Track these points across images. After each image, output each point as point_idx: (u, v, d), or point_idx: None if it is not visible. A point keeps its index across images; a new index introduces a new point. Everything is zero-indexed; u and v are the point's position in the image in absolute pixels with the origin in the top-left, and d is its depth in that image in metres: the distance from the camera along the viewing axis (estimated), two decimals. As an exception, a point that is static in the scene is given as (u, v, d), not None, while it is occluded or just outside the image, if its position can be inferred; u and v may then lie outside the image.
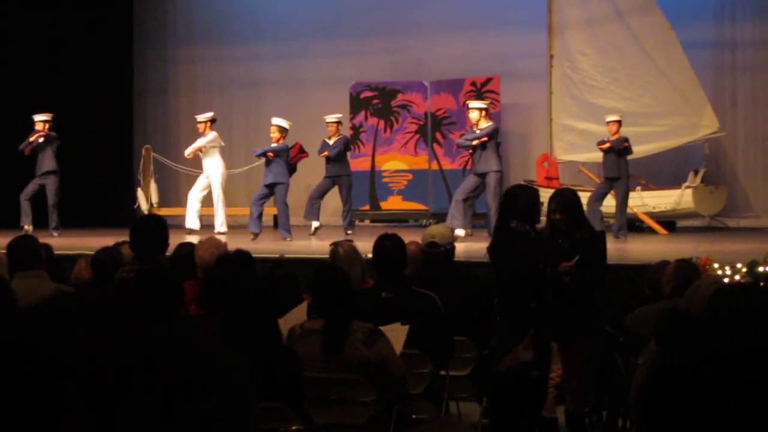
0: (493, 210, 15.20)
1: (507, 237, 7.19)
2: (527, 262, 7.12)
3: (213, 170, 17.42)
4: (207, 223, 17.82)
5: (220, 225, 17.34)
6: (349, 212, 17.24)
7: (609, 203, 16.35)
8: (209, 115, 17.62)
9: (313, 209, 16.89)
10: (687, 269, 7.51)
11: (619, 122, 16.48)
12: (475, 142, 15.55)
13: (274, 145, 16.37)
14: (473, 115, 15.82)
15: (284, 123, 16.50)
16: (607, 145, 16.21)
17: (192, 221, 17.50)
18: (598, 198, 16.10)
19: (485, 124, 15.70)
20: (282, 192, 16.25)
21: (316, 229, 16.73)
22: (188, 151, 17.65)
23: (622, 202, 16.11)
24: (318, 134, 17.61)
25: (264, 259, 10.90)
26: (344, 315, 5.89)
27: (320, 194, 17.00)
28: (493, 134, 15.62)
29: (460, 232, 14.88)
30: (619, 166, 16.10)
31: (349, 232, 16.57)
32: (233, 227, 18.20)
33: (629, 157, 16.30)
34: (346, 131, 18.86)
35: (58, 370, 1.40)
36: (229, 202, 18.12)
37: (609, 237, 15.50)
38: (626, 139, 16.21)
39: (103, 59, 21.45)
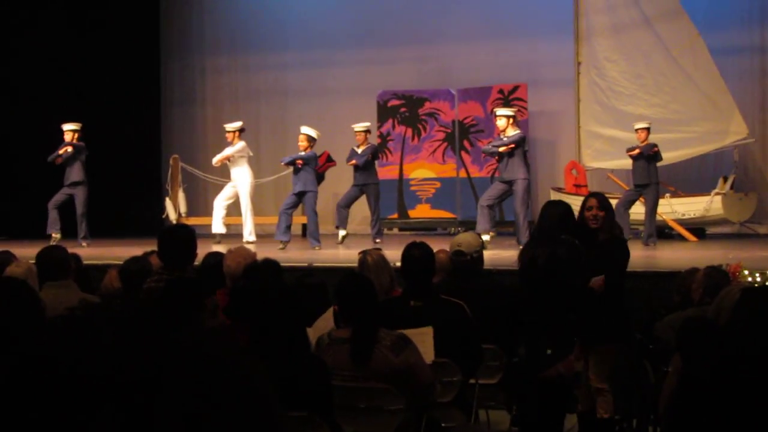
0: (522, 218, 15.19)
1: (563, 249, 7.22)
2: (583, 274, 7.27)
3: (241, 180, 17.44)
4: (235, 233, 17.85)
5: (248, 234, 17.35)
6: (378, 221, 17.24)
7: (638, 210, 16.30)
8: (238, 124, 17.65)
9: (340, 218, 16.91)
10: (716, 276, 7.48)
11: (647, 129, 16.44)
12: (502, 150, 15.51)
13: (302, 153, 16.37)
14: (500, 123, 15.77)
15: (313, 132, 16.49)
16: (637, 151, 16.17)
17: (218, 227, 17.54)
18: (626, 204, 16.05)
19: (512, 131, 15.65)
20: (311, 200, 16.23)
21: (344, 237, 16.73)
22: (216, 160, 17.68)
23: (652, 209, 16.06)
24: (346, 143, 17.62)
25: (293, 267, 10.92)
26: (371, 323, 5.89)
27: (347, 203, 16.99)
28: (520, 142, 15.57)
29: (484, 237, 14.84)
30: (649, 172, 16.06)
31: (378, 240, 16.58)
32: (261, 236, 18.22)
33: (658, 164, 16.25)
34: (374, 140, 18.87)
35: (85, 379, 1.40)
36: (257, 212, 18.14)
37: (638, 244, 15.50)
38: (655, 145, 16.17)
39: (131, 69, 21.55)
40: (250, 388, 1.51)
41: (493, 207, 15.77)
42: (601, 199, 8.15)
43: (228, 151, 17.45)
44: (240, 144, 17.42)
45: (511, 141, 15.46)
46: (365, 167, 16.90)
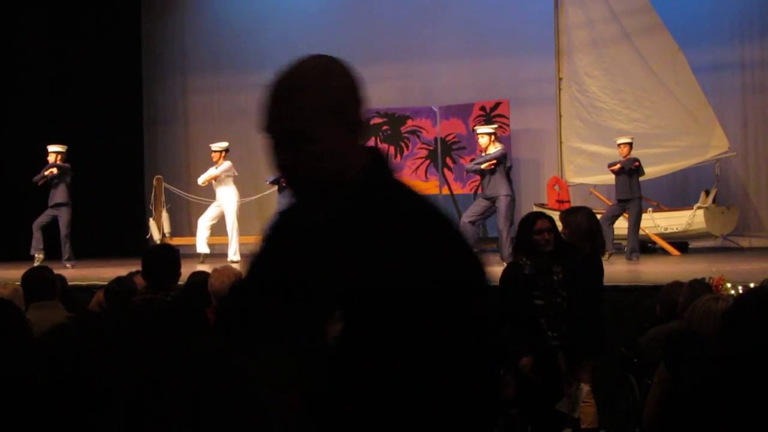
0: (505, 234, 15.23)
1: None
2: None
3: (227, 200, 17.45)
4: (220, 252, 17.85)
5: (233, 254, 17.36)
6: None
7: (621, 225, 16.35)
8: (224, 144, 17.66)
9: None
10: (700, 289, 7.51)
11: (630, 144, 16.50)
12: (483, 166, 15.57)
13: None
14: (482, 141, 15.85)
15: None
16: (618, 166, 16.24)
17: (202, 246, 17.55)
18: (610, 219, 16.08)
19: (494, 148, 15.72)
20: None
21: None
22: (202, 180, 17.68)
23: (635, 224, 16.10)
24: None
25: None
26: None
27: None
28: (502, 158, 15.63)
29: None
30: (631, 187, 16.11)
31: None
32: (247, 256, 18.20)
33: (641, 179, 16.31)
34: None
35: (78, 396, 1.41)
36: (242, 231, 18.14)
37: (621, 259, 15.56)
38: (636, 160, 16.23)
39: (112, 89, 21.50)
40: (260, 396, 1.53)
41: (475, 223, 15.82)
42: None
43: (214, 172, 17.46)
44: (226, 164, 17.44)
45: (492, 157, 15.52)
46: None
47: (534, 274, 7.57)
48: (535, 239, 7.60)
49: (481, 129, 16.16)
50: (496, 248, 16.43)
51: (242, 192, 18.96)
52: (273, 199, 17.48)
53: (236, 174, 17.75)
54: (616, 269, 14.51)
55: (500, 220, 15.46)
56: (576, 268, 7.68)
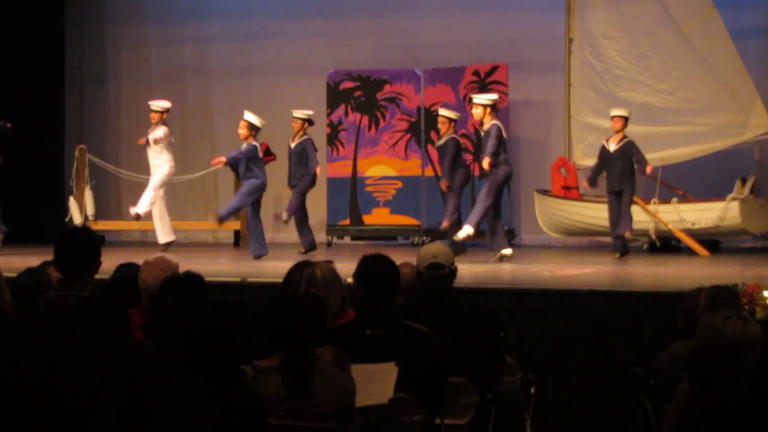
0: (482, 208, 15.46)
1: None
2: None
3: (159, 168, 17.32)
4: (152, 240, 17.80)
5: (159, 234, 17.24)
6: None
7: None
8: (165, 104, 17.57)
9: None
10: (722, 297, 7.45)
11: (625, 119, 16.50)
12: (486, 165, 15.56)
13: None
14: (476, 112, 15.78)
15: (255, 119, 16.48)
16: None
17: (165, 234, 17.44)
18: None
19: (489, 122, 15.64)
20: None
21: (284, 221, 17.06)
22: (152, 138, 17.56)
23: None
24: (287, 132, 17.59)
25: (224, 283, 10.95)
26: (307, 346, 5.83)
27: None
28: (501, 140, 15.66)
29: (507, 251, 15.46)
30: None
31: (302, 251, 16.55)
32: (186, 245, 18.16)
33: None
34: (322, 129, 18.85)
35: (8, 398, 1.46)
36: (180, 215, 18.09)
37: (639, 259, 15.58)
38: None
39: (26, 41, 21.37)
40: (182, 405, 1.58)
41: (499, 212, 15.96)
42: None
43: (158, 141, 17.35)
44: (160, 131, 17.33)
45: (490, 150, 15.49)
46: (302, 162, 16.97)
47: None
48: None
49: (479, 98, 16.03)
50: (485, 243, 16.35)
51: (183, 167, 18.89)
52: (220, 177, 17.41)
53: (173, 141, 17.69)
54: (631, 271, 14.58)
55: (482, 191, 15.60)
56: None
